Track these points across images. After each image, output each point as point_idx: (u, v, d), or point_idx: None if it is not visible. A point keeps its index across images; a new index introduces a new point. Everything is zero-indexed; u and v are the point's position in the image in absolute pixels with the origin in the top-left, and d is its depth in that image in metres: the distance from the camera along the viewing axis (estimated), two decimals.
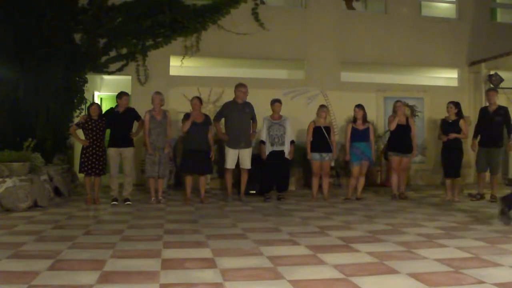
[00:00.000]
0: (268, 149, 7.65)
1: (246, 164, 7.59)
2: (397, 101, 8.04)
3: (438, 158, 8.43)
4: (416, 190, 9.33)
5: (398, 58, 10.98)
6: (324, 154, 7.65)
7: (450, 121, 7.69)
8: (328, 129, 7.68)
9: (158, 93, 7.33)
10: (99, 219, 5.92)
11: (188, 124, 7.20)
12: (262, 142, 7.70)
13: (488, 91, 8.26)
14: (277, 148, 7.66)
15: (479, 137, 7.84)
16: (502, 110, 7.71)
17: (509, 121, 7.63)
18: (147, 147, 7.12)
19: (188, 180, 7.35)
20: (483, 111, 7.96)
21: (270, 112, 7.84)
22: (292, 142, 7.77)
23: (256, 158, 7.77)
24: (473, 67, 11.11)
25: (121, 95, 7.29)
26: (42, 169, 7.22)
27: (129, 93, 8.08)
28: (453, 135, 7.56)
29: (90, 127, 7.02)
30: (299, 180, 9.58)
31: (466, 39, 11.26)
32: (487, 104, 8.05)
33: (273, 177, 7.76)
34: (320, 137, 7.61)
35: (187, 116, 7.34)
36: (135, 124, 7.43)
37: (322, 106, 7.94)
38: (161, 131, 7.16)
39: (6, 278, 3.29)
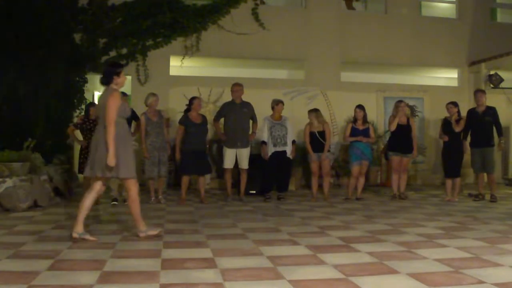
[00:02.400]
0: (270, 150, 7.63)
1: (244, 164, 7.58)
2: (400, 101, 8.01)
3: (438, 158, 8.42)
4: (416, 190, 9.33)
5: (398, 58, 10.98)
6: (321, 154, 7.65)
7: (452, 121, 7.69)
8: (322, 133, 7.65)
9: (154, 94, 7.32)
10: (99, 219, 5.92)
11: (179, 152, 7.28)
12: (264, 143, 7.68)
13: (476, 92, 8.15)
14: (279, 148, 7.64)
15: (469, 139, 7.82)
16: (491, 110, 7.74)
17: (498, 121, 7.69)
18: (144, 151, 7.12)
19: (185, 181, 7.31)
20: (472, 113, 7.88)
21: (270, 112, 7.83)
22: (293, 141, 7.78)
23: (256, 158, 7.77)
24: (473, 67, 11.11)
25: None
26: (42, 169, 7.21)
27: (129, 93, 8.07)
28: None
29: (88, 127, 7.01)
30: (299, 180, 9.57)
31: (466, 39, 11.27)
32: (475, 105, 7.97)
33: (274, 177, 7.75)
34: (316, 141, 7.62)
35: (185, 118, 7.34)
36: (134, 124, 7.43)
37: (311, 111, 7.80)
38: (159, 132, 7.18)
39: (6, 278, 3.29)
